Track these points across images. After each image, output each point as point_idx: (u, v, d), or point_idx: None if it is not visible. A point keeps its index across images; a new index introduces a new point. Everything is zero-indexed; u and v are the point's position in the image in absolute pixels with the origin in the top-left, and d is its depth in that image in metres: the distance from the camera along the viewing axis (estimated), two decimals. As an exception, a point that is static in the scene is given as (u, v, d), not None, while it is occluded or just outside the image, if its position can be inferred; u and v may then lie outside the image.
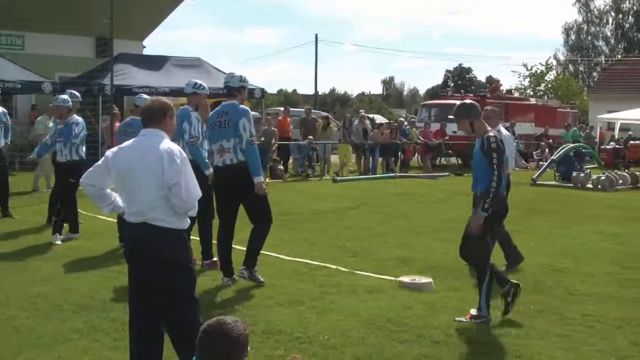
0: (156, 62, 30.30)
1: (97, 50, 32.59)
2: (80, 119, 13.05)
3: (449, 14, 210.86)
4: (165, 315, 5.78)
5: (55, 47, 30.99)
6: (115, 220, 11.98)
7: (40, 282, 9.47)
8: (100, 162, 5.89)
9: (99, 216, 14.49)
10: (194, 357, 3.88)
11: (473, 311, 8.06)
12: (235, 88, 9.58)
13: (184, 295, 5.73)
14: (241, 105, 9.50)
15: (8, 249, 11.71)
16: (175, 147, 5.69)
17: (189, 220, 5.87)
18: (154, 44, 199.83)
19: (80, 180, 5.90)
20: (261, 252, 9.71)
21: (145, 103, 6.15)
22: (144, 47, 36.86)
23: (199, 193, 5.75)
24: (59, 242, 12.18)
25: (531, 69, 64.37)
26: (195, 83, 10.56)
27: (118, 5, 20.93)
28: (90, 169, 5.90)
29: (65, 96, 13.11)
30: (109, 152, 5.89)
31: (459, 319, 8.03)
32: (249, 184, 9.23)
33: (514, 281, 8.22)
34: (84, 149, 12.89)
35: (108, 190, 5.92)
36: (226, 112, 9.44)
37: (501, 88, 39.66)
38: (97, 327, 7.55)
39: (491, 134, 8.00)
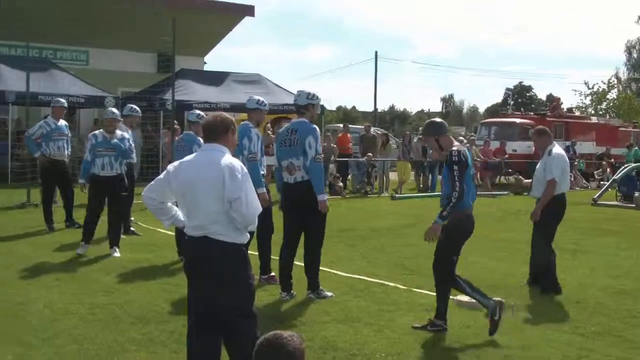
0: (217, 78, 30.64)
1: (159, 65, 33.14)
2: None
3: (509, 29, 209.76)
4: (223, 330, 5.81)
5: (118, 62, 31.61)
6: (174, 233, 12.12)
7: (101, 293, 9.60)
8: (161, 175, 5.97)
9: (159, 229, 14.66)
10: None
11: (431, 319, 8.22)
12: (303, 106, 9.65)
13: (242, 309, 5.76)
14: (309, 123, 9.56)
15: (70, 259, 11.90)
16: (237, 162, 5.73)
17: (248, 235, 5.91)
18: (214, 60, 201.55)
19: (142, 193, 5.98)
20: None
21: (207, 118, 6.21)
22: (205, 63, 37.31)
23: (259, 208, 5.78)
24: (117, 255, 12.32)
25: (592, 87, 63.57)
26: (258, 99, 10.62)
27: (180, 22, 21.12)
28: (152, 182, 5.98)
29: (114, 109, 13.32)
30: (170, 166, 5.96)
31: (416, 325, 8.22)
32: (316, 202, 9.33)
33: (497, 298, 8.21)
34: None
35: (169, 204, 6.00)
36: (295, 130, 9.51)
37: (562, 106, 39.25)
38: (155, 339, 7.62)
39: (454, 148, 8.11)
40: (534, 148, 31.15)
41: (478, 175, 30.18)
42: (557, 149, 10.71)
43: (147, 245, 13.42)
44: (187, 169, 5.79)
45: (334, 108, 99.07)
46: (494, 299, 8.20)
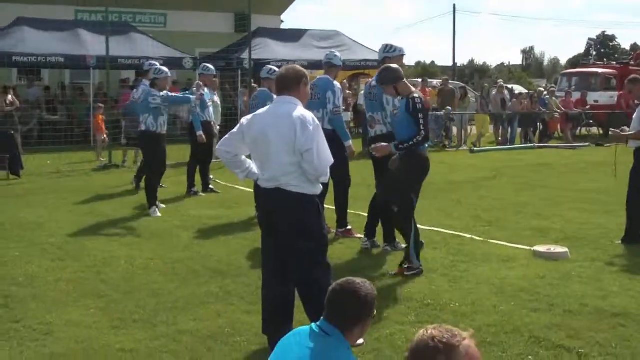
0: (294, 36, 30.67)
1: (236, 25, 33.25)
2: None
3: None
4: (297, 279, 5.90)
5: (195, 24, 31.81)
6: (252, 190, 12.26)
7: (180, 248, 9.81)
8: (235, 129, 6.05)
9: (237, 186, 14.85)
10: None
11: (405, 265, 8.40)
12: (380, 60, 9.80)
13: (316, 259, 5.85)
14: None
15: (151, 216, 12.17)
16: (309, 114, 5.77)
17: (321, 187, 5.95)
18: (291, 17, 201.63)
19: (217, 146, 6.09)
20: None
21: (279, 71, 6.24)
22: (282, 21, 37.31)
23: (330, 160, 5.82)
24: (159, 214, 12.37)
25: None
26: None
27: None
28: (226, 136, 6.08)
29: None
30: (244, 120, 6.04)
31: (391, 272, 8.43)
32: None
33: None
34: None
35: (243, 157, 6.09)
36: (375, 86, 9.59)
37: (646, 55, 38.17)
38: (232, 292, 7.77)
39: (416, 95, 8.23)
40: (617, 98, 30.65)
41: (559, 127, 29.69)
42: None
43: (225, 201, 13.63)
44: (259, 122, 5.85)
45: (412, 63, 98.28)
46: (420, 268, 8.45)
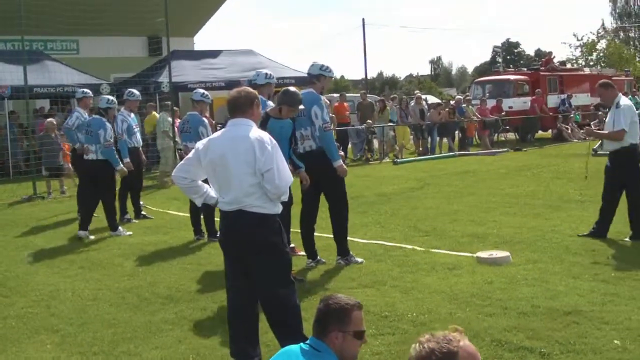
0: (209, 57, 30.60)
1: (150, 49, 33.03)
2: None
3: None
4: (262, 298, 5.93)
5: (108, 49, 31.44)
6: (187, 214, 12.23)
7: (126, 277, 9.69)
8: (190, 154, 6.06)
9: (169, 211, 14.79)
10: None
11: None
12: (315, 75, 9.76)
13: (281, 277, 5.89)
14: (313, 93, 9.69)
15: (87, 247, 11.98)
16: (265, 134, 5.84)
17: (281, 206, 5.99)
18: (202, 40, 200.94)
19: (173, 173, 6.08)
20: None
21: (231, 94, 6.22)
22: (194, 43, 37.24)
23: (290, 179, 5.89)
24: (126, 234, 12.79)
25: (581, 39, 63.39)
26: (267, 73, 10.36)
27: (169, 3, 21.14)
28: (182, 162, 6.09)
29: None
30: (199, 144, 6.05)
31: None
32: (328, 169, 9.49)
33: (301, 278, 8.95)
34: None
35: (199, 182, 6.09)
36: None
37: (554, 60, 39.17)
38: (188, 317, 7.72)
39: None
40: (530, 103, 31.50)
41: (476, 134, 30.25)
42: (625, 100, 10.78)
43: (160, 227, 13.51)
44: (216, 145, 5.87)
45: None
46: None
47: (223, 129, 6.14)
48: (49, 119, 20.40)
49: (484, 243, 10.58)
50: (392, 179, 19.56)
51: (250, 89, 6.13)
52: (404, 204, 14.88)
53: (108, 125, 12.91)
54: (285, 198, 5.97)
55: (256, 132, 5.80)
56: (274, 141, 5.83)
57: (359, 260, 9.73)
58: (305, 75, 9.98)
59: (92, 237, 12.65)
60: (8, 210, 17.10)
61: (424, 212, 13.66)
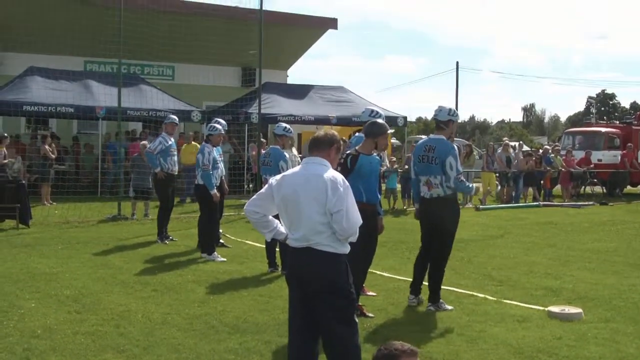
0: (301, 91, 30.88)
1: (243, 79, 33.58)
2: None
3: (591, 36, 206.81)
4: (324, 336, 5.96)
5: (202, 77, 32.07)
6: (264, 246, 12.35)
7: (197, 304, 9.81)
8: (264, 189, 6.15)
9: (247, 241, 14.94)
10: None
11: None
12: (443, 122, 9.75)
13: (344, 317, 5.89)
14: (448, 142, 9.64)
15: (163, 270, 12.20)
16: (339, 176, 5.89)
17: (349, 246, 6.03)
18: (296, 72, 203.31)
19: (245, 207, 6.16)
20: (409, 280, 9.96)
21: (317, 133, 6.32)
22: (287, 76, 37.64)
23: (359, 220, 5.90)
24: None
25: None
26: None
27: (265, 36, 21.49)
28: (255, 196, 6.16)
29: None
30: (272, 180, 6.13)
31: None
32: (447, 218, 9.63)
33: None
34: None
35: (270, 217, 6.16)
36: (434, 148, 9.62)
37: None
38: (252, 349, 7.77)
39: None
40: (620, 157, 30.88)
41: (559, 185, 29.77)
42: None
43: (236, 256, 13.67)
44: (290, 182, 5.95)
45: (413, 119, 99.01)
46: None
47: (299, 166, 6.22)
48: (143, 142, 20.88)
49: (558, 297, 10.42)
50: (473, 225, 19.39)
51: (334, 133, 6.23)
52: (481, 251, 14.75)
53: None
54: (354, 239, 5.99)
55: (331, 173, 5.87)
56: (347, 183, 5.89)
57: (449, 307, 9.65)
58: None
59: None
60: (92, 228, 17.54)
61: (501, 261, 13.52)
